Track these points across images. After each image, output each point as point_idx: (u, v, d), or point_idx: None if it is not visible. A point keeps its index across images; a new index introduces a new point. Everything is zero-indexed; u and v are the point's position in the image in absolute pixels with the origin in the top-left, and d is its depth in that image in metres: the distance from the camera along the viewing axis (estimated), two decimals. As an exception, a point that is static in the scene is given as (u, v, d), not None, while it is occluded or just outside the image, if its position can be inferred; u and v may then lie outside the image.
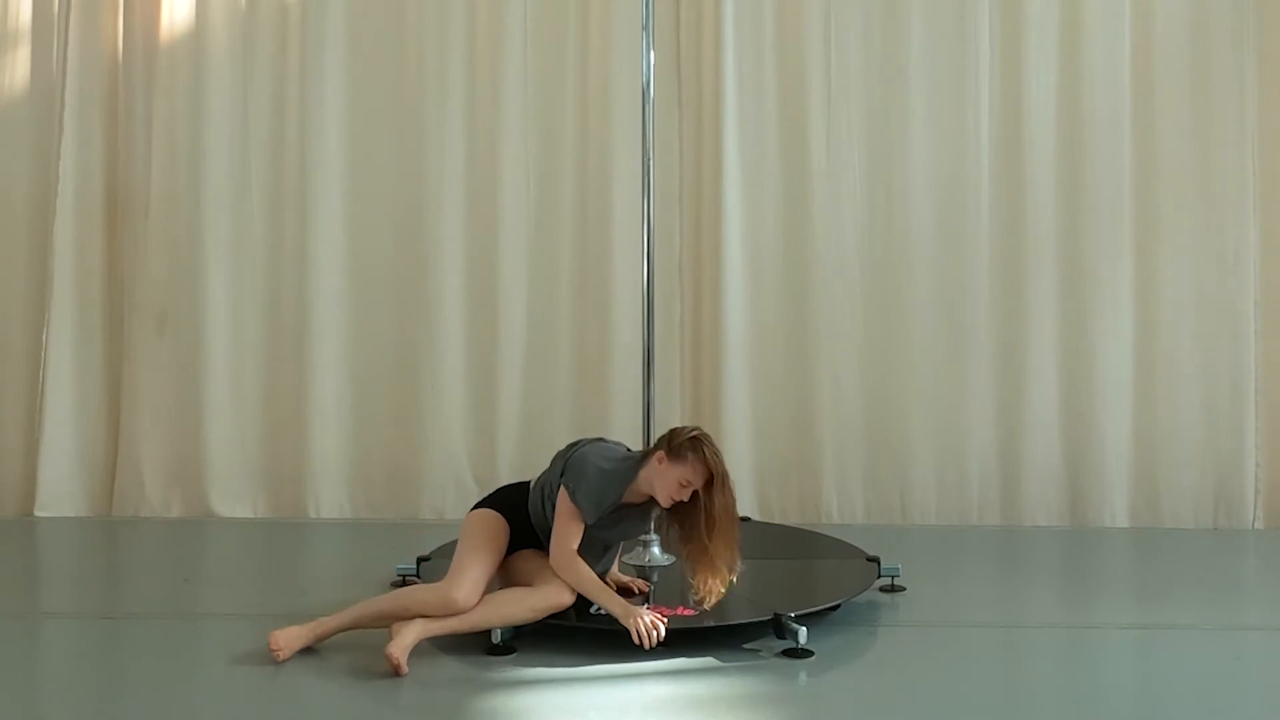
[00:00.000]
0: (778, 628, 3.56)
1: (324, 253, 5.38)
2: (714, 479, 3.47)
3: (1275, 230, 5.26)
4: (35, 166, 5.46)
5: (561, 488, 3.55)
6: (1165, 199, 5.24)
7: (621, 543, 3.86)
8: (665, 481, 3.49)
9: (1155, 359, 5.25)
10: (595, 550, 3.65)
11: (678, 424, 5.30)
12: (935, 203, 5.31)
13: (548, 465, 3.74)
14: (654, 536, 4.22)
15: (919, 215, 5.31)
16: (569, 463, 3.60)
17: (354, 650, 3.56)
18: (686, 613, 3.64)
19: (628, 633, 3.48)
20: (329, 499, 5.37)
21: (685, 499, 3.49)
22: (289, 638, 3.46)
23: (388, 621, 3.47)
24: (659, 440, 3.61)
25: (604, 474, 3.54)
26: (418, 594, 3.54)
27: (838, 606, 3.82)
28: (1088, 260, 5.25)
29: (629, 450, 3.73)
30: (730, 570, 3.49)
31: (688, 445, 3.48)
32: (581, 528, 3.53)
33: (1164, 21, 5.24)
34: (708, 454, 3.47)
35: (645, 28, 4.32)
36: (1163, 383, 5.25)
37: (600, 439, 3.78)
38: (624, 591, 3.75)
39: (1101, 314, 5.24)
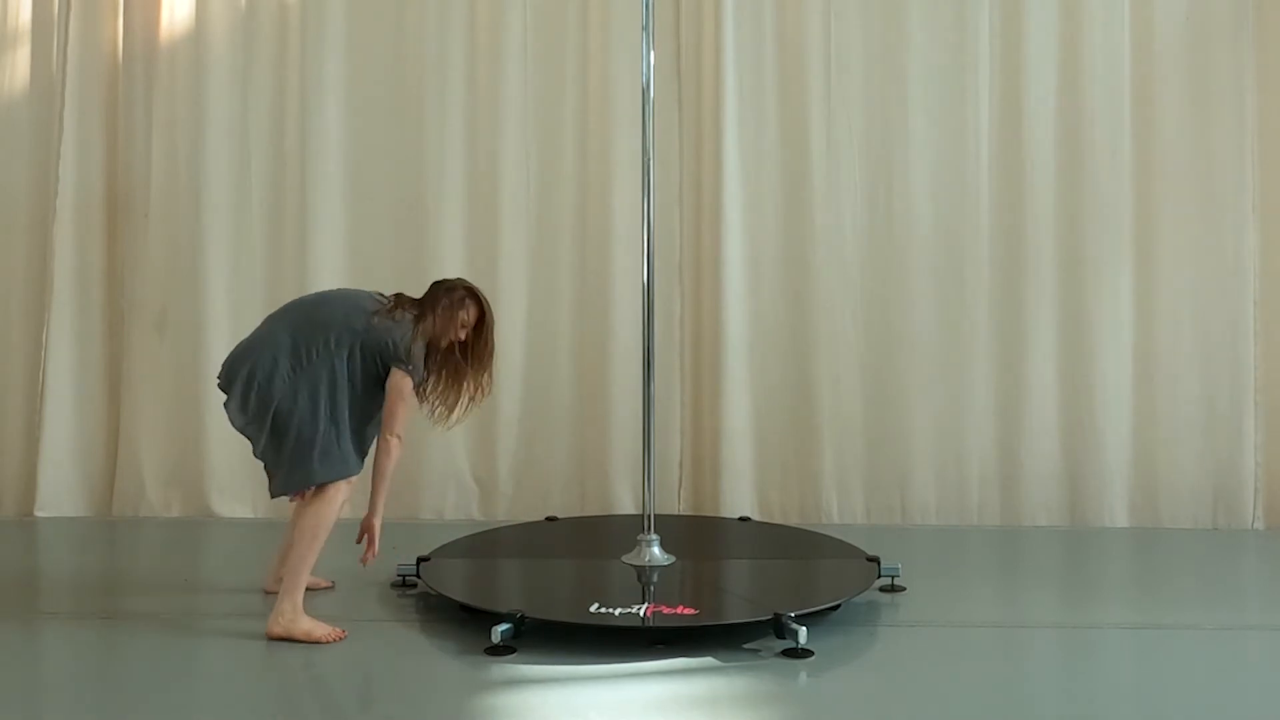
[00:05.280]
0: (778, 628, 3.56)
1: (324, 253, 5.38)
2: (484, 317, 3.95)
3: (1275, 230, 5.26)
4: (35, 166, 5.47)
5: (395, 356, 3.76)
6: (1165, 199, 5.24)
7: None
8: (450, 328, 3.89)
9: (1155, 359, 5.25)
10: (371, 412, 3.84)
11: (678, 425, 5.36)
12: (935, 203, 5.31)
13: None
14: (654, 536, 4.22)
15: (919, 215, 5.31)
16: (379, 340, 3.76)
17: (355, 651, 3.57)
18: (687, 612, 3.65)
19: (628, 632, 3.53)
20: (329, 499, 5.37)
21: (464, 338, 3.92)
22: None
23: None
24: (430, 296, 3.92)
25: (418, 345, 3.82)
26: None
27: (838, 606, 3.82)
28: (1087, 260, 5.25)
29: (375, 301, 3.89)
30: (480, 393, 3.97)
31: (472, 294, 3.94)
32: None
33: (1164, 21, 5.25)
34: (481, 298, 3.96)
35: (645, 28, 4.32)
36: (1162, 383, 5.25)
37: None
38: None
39: (1101, 314, 5.24)
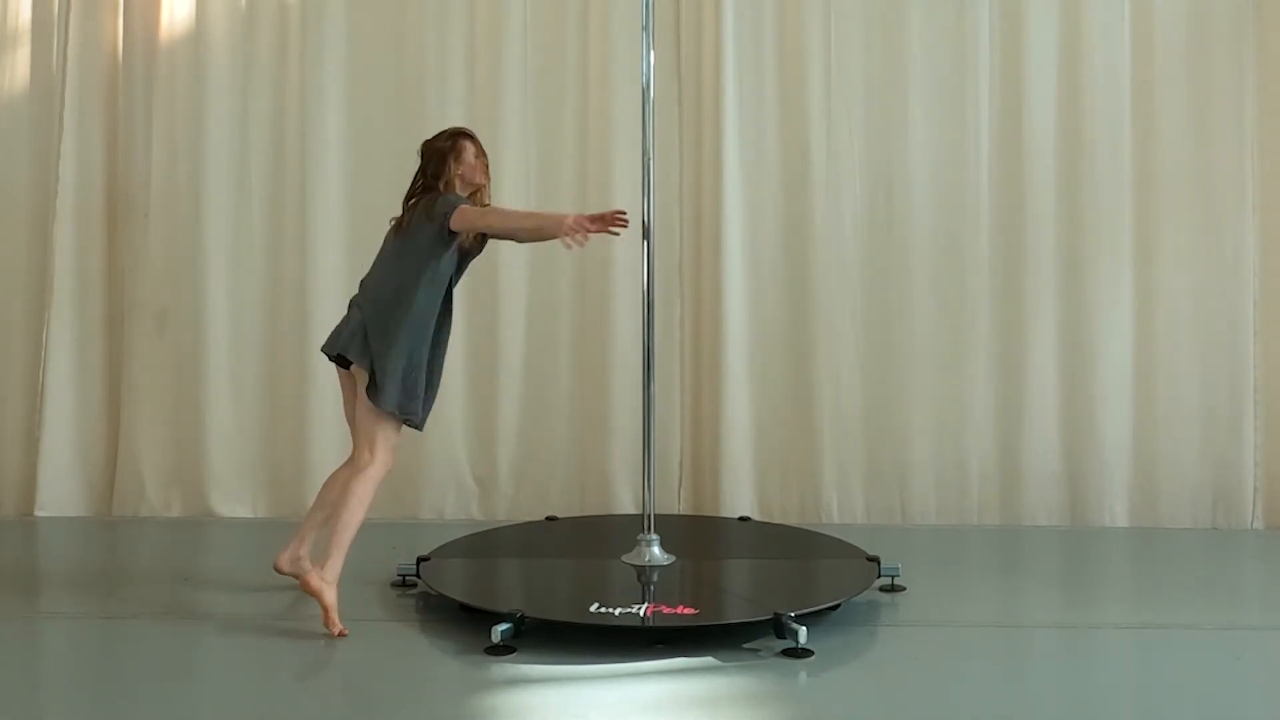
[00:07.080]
0: (778, 628, 3.56)
1: (324, 252, 5.37)
2: (477, 140, 4.05)
3: (1274, 230, 5.26)
4: (35, 166, 5.47)
5: (441, 213, 3.82)
6: (1165, 199, 5.24)
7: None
8: (474, 169, 3.99)
9: (1155, 359, 5.25)
10: (444, 293, 3.96)
11: (678, 425, 5.36)
12: (935, 203, 5.31)
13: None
14: (654, 536, 4.22)
15: (919, 215, 5.31)
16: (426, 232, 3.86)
17: (355, 651, 3.57)
18: (687, 612, 3.65)
19: (627, 632, 3.52)
20: (329, 499, 5.37)
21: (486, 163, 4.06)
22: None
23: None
24: (434, 164, 3.98)
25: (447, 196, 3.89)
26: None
27: (838, 606, 3.83)
28: (1087, 260, 5.25)
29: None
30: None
31: (457, 137, 4.01)
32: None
33: (1164, 22, 5.25)
34: (466, 130, 4.07)
35: (645, 28, 4.32)
36: (1162, 383, 5.25)
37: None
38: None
39: (1101, 314, 5.24)
